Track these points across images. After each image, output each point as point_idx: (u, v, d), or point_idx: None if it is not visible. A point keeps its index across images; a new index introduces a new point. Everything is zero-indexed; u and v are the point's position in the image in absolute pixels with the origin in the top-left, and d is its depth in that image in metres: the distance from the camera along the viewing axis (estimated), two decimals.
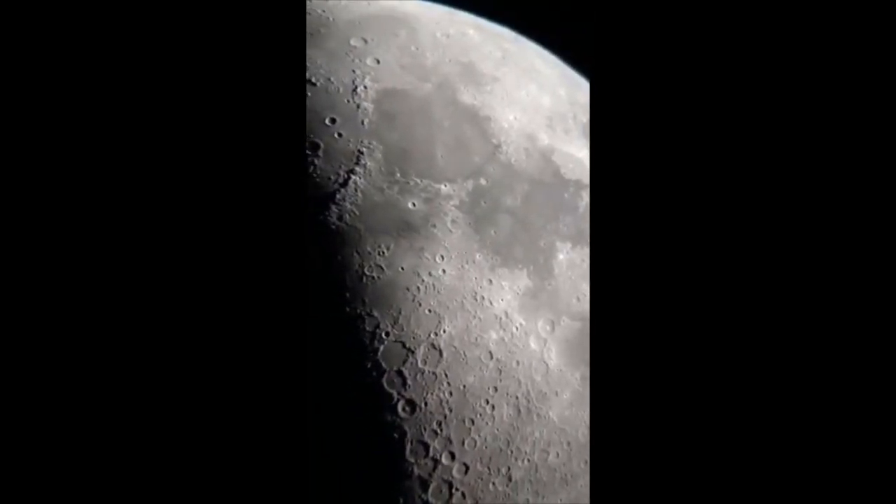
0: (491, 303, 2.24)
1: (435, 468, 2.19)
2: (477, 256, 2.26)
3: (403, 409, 2.17)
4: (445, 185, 2.29)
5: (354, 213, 2.22)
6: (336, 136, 2.29)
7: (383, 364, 2.17)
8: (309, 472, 2.11)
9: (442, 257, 2.24)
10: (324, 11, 2.54)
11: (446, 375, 2.19)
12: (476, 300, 2.23)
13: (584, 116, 2.61)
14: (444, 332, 2.20)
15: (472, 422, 2.20)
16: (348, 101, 2.33)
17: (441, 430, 2.19)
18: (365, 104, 2.33)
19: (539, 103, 2.54)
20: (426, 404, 2.18)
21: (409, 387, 2.17)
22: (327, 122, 2.30)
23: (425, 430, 2.18)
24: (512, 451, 2.24)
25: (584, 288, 2.35)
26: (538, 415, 2.25)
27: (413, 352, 2.18)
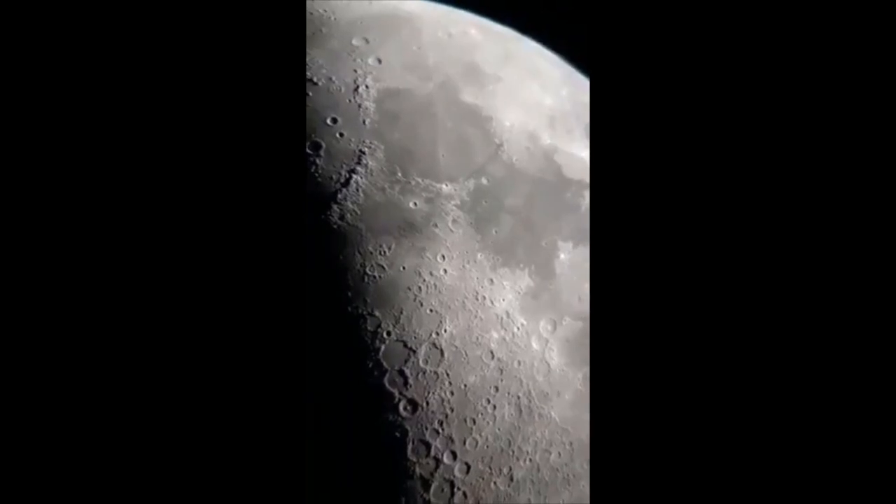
0: (492, 302, 2.24)
1: (437, 468, 2.19)
2: (478, 256, 2.26)
3: (405, 409, 2.17)
4: (447, 185, 2.29)
5: (356, 213, 2.22)
6: (338, 135, 2.29)
7: (385, 363, 2.17)
8: (310, 471, 2.11)
9: (443, 257, 2.24)
10: (325, 11, 2.54)
11: (448, 375, 2.19)
12: (477, 300, 2.23)
13: (587, 116, 2.61)
14: (446, 331, 2.20)
15: (474, 421, 2.20)
16: (350, 101, 2.33)
17: (442, 430, 2.18)
18: (366, 104, 2.33)
19: (541, 103, 2.54)
20: (428, 404, 2.18)
21: (411, 386, 2.17)
22: (329, 121, 2.30)
23: (427, 429, 2.18)
24: (513, 451, 2.23)
25: (586, 288, 2.35)
26: (540, 415, 2.25)
27: (414, 351, 2.18)
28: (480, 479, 2.21)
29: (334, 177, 2.25)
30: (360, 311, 2.17)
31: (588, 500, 2.33)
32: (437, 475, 2.20)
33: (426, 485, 2.19)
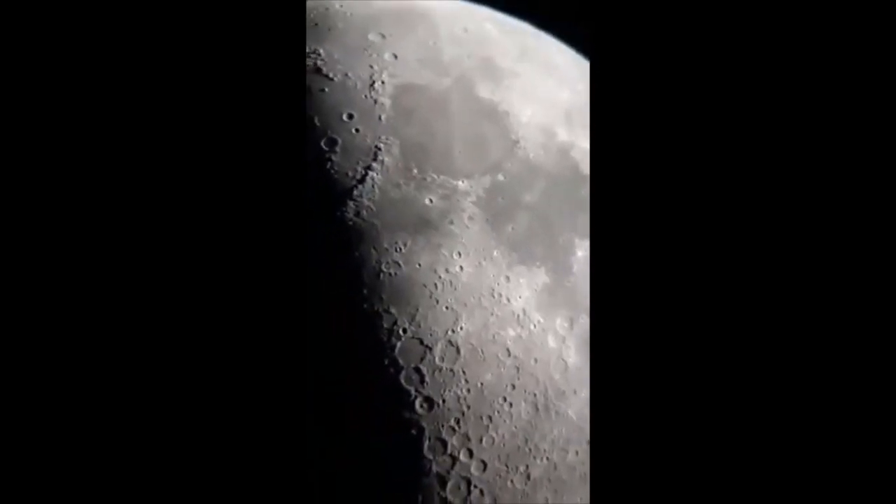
0: (508, 300, 2.23)
1: (453, 465, 2.19)
2: (494, 253, 2.25)
3: (421, 406, 2.17)
4: (463, 181, 2.28)
5: (371, 210, 2.22)
6: (353, 131, 2.29)
7: (400, 361, 2.17)
8: (325, 469, 2.11)
9: (459, 254, 2.23)
10: (341, 6, 2.54)
11: (464, 372, 2.19)
12: (494, 297, 2.23)
13: None
14: (462, 329, 2.19)
15: (490, 419, 2.19)
16: (366, 97, 2.33)
17: (459, 427, 2.18)
18: (382, 99, 2.33)
19: (557, 98, 2.53)
20: (444, 401, 2.17)
21: (427, 384, 2.17)
22: (344, 117, 2.30)
23: (443, 427, 2.18)
24: (530, 449, 2.23)
25: None
26: (557, 413, 2.24)
27: (430, 349, 2.18)
28: (497, 478, 2.21)
29: (350, 173, 2.25)
30: (375, 308, 2.17)
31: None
32: (453, 473, 2.19)
33: (443, 482, 2.19)
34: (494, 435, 2.20)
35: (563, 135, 2.46)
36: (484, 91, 2.41)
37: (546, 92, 2.52)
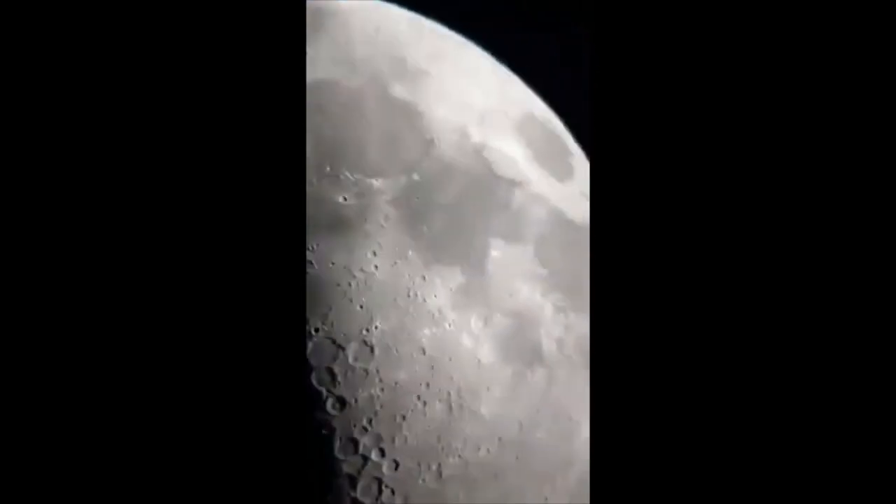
0: (424, 299, 2.24)
1: (364, 465, 2.18)
2: (410, 253, 2.26)
3: (333, 406, 2.15)
4: (377, 180, 2.28)
5: None
6: None
7: (312, 361, 2.15)
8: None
9: (374, 253, 2.23)
10: None
11: (378, 372, 2.18)
12: (409, 296, 2.23)
13: (516, 113, 2.62)
14: (376, 328, 2.19)
15: (404, 418, 2.19)
16: None
17: (371, 427, 2.17)
18: None
19: (471, 100, 2.55)
20: (356, 401, 2.16)
21: (340, 384, 2.16)
22: None
23: (355, 426, 2.17)
24: (443, 448, 2.24)
25: (517, 284, 2.36)
26: (470, 411, 2.26)
27: (343, 348, 2.17)
28: (409, 476, 2.21)
29: None
30: None
31: (516, 496, 2.34)
32: (364, 472, 2.18)
33: (353, 482, 2.18)
34: (408, 434, 2.20)
35: (476, 135, 2.48)
36: (398, 90, 2.42)
37: (459, 93, 2.53)
